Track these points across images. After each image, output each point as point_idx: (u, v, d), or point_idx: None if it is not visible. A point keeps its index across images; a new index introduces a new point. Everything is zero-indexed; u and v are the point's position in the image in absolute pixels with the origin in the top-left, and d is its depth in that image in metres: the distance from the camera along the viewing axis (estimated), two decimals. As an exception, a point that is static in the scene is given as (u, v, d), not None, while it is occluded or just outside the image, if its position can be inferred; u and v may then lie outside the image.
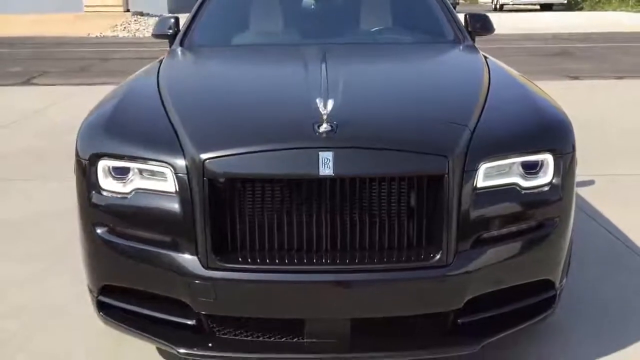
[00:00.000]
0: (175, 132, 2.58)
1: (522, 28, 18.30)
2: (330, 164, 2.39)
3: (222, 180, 2.44)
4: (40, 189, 5.23)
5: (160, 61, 3.60)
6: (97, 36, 18.30)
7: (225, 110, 2.83)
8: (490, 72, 3.24)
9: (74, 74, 11.31)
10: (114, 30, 19.16)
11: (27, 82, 10.51)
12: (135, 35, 18.62)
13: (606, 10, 27.37)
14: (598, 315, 3.25)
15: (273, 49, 3.89)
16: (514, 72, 3.43)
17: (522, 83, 3.21)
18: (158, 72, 3.27)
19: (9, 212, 4.72)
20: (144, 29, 19.02)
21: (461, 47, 3.87)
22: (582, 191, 4.90)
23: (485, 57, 3.57)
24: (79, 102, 8.00)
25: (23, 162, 5.99)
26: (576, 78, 10.29)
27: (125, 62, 12.38)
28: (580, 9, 29.56)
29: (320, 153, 2.40)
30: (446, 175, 2.43)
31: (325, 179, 2.41)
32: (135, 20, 20.64)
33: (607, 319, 3.22)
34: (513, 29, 17.30)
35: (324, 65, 3.03)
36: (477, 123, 2.62)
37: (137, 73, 3.56)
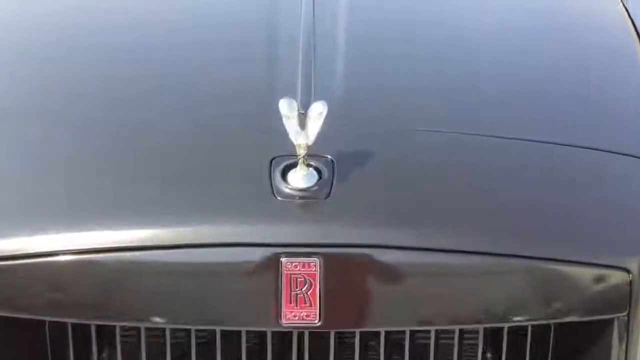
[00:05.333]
0: None
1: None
2: (314, 293, 0.85)
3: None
4: None
5: None
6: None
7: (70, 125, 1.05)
8: None
9: None
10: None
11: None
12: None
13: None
14: None
15: None
16: None
17: None
18: None
19: None
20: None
21: None
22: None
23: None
24: None
25: None
26: None
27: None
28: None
29: (283, 260, 0.86)
30: (621, 317, 0.91)
31: (294, 332, 0.88)
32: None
33: None
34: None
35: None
36: None
37: None
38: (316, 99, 0.94)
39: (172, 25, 1.29)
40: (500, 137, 1.05)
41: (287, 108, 0.87)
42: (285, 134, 0.88)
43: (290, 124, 0.87)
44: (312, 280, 0.84)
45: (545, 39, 1.36)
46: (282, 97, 0.90)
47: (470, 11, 1.43)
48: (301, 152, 0.88)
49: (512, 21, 1.43)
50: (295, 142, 0.87)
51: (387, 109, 1.07)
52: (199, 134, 1.00)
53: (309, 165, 0.89)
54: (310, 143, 0.87)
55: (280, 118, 0.89)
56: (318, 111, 0.87)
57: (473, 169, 0.99)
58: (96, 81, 1.14)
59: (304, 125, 0.88)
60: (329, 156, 0.92)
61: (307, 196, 0.88)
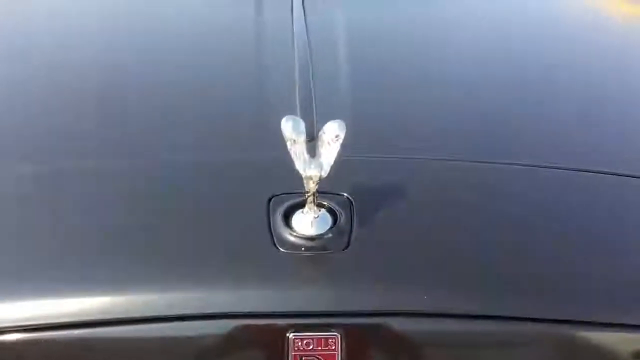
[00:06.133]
0: None
1: None
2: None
3: None
4: None
5: None
6: None
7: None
8: None
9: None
10: None
11: None
12: None
13: None
14: None
15: None
16: None
17: None
18: None
19: None
20: None
21: None
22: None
23: None
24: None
25: None
26: None
27: None
28: None
29: (290, 336, 0.64)
30: None
31: None
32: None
33: None
34: None
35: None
36: None
37: None
38: (320, 121, 0.73)
39: (160, 52, 1.09)
40: (538, 167, 0.85)
41: (292, 130, 0.65)
42: (288, 163, 0.67)
43: (297, 150, 0.65)
44: (331, 362, 0.62)
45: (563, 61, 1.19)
46: (282, 117, 0.69)
47: (475, 27, 1.24)
48: (311, 187, 0.66)
49: (524, 42, 1.26)
50: (303, 174, 0.66)
51: (407, 134, 0.86)
52: (176, 169, 0.77)
53: (320, 206, 0.68)
54: (324, 175, 0.65)
55: (280, 143, 0.67)
56: (334, 134, 0.65)
57: (515, 214, 0.77)
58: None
59: (314, 152, 0.67)
60: (345, 194, 0.71)
61: (319, 247, 0.66)
